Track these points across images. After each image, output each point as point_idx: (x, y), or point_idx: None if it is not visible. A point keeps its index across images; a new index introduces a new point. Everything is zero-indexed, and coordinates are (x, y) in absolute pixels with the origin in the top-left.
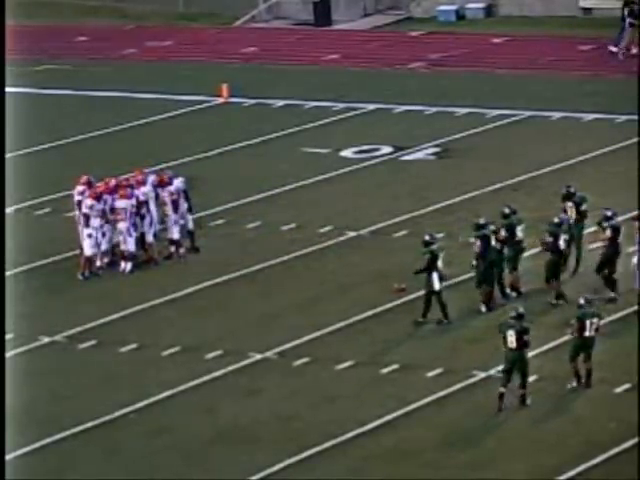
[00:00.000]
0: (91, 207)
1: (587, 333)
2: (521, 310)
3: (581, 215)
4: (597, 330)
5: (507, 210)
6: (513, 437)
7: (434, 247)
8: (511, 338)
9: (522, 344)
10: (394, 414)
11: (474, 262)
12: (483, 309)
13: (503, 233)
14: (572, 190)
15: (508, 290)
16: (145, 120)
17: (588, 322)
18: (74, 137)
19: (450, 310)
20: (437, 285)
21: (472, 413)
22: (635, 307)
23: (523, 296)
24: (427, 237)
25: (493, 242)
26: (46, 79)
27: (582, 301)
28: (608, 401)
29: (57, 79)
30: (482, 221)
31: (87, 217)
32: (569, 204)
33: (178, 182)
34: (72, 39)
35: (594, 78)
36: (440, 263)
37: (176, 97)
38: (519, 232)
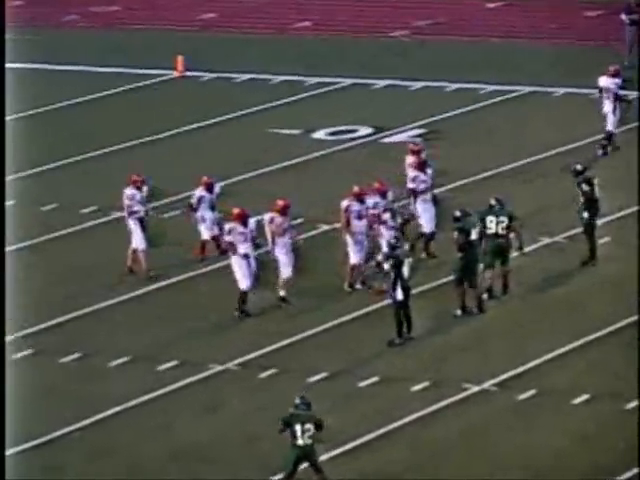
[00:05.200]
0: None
1: (300, 441)
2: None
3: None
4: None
5: (493, 201)
6: (508, 459)
7: (398, 252)
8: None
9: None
10: (374, 433)
11: None
12: (458, 312)
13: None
14: (579, 168)
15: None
16: (89, 96)
17: (298, 428)
18: (7, 116)
19: (438, 314)
20: (400, 295)
21: (463, 432)
22: None
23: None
24: (392, 240)
25: (474, 236)
26: None
27: (297, 400)
28: (617, 418)
29: None
30: (458, 213)
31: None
32: (584, 186)
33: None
34: (6, 3)
35: (602, 49)
36: (406, 270)
37: (124, 70)
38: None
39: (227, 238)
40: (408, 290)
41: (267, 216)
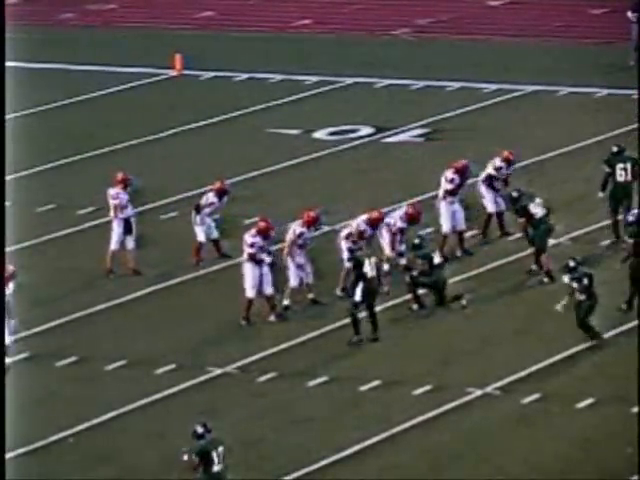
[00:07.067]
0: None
1: (216, 467)
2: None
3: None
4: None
5: (515, 193)
6: (513, 464)
7: (358, 254)
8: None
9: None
10: (376, 438)
11: None
12: (415, 307)
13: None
14: (615, 150)
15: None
16: (86, 96)
17: (214, 454)
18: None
19: (441, 317)
20: (358, 296)
21: (466, 437)
22: None
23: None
24: (349, 244)
25: (437, 260)
26: None
27: (200, 430)
28: (622, 422)
29: None
30: (417, 240)
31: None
32: (620, 165)
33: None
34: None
35: (608, 47)
36: (368, 269)
37: (121, 69)
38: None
39: (250, 250)
40: (373, 292)
41: (297, 229)
